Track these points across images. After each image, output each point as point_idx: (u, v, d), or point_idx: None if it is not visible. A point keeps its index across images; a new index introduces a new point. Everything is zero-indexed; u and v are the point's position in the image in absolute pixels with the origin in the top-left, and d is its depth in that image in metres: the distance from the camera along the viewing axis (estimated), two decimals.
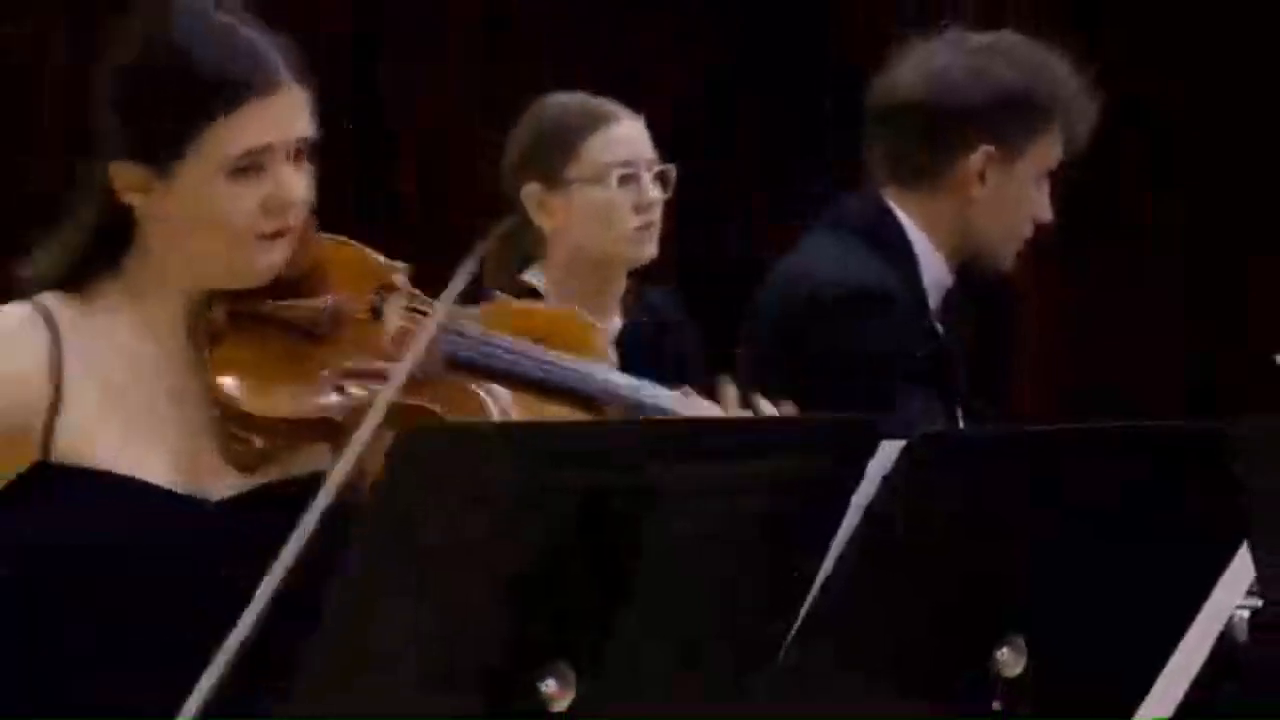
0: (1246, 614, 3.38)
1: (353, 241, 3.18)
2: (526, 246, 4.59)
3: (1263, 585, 2.91)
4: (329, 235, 3.13)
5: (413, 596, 2.55)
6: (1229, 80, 8.65)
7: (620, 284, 4.69)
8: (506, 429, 2.97)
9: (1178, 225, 8.54)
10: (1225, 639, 3.07)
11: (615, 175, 4.66)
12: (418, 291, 3.15)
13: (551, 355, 3.22)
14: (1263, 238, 8.59)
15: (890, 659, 2.84)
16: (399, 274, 3.16)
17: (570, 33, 7.95)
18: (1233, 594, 2.97)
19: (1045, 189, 4.17)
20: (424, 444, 2.56)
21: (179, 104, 3.02)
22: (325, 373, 3.06)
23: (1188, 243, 8.58)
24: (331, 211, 3.15)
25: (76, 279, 3.08)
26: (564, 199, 4.68)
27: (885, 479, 2.71)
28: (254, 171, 3.03)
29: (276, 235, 3.05)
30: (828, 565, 2.73)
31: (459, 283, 2.97)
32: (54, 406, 3.01)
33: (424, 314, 3.08)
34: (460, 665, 2.59)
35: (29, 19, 8.09)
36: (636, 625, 2.62)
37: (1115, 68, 4.52)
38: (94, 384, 3.03)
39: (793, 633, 2.74)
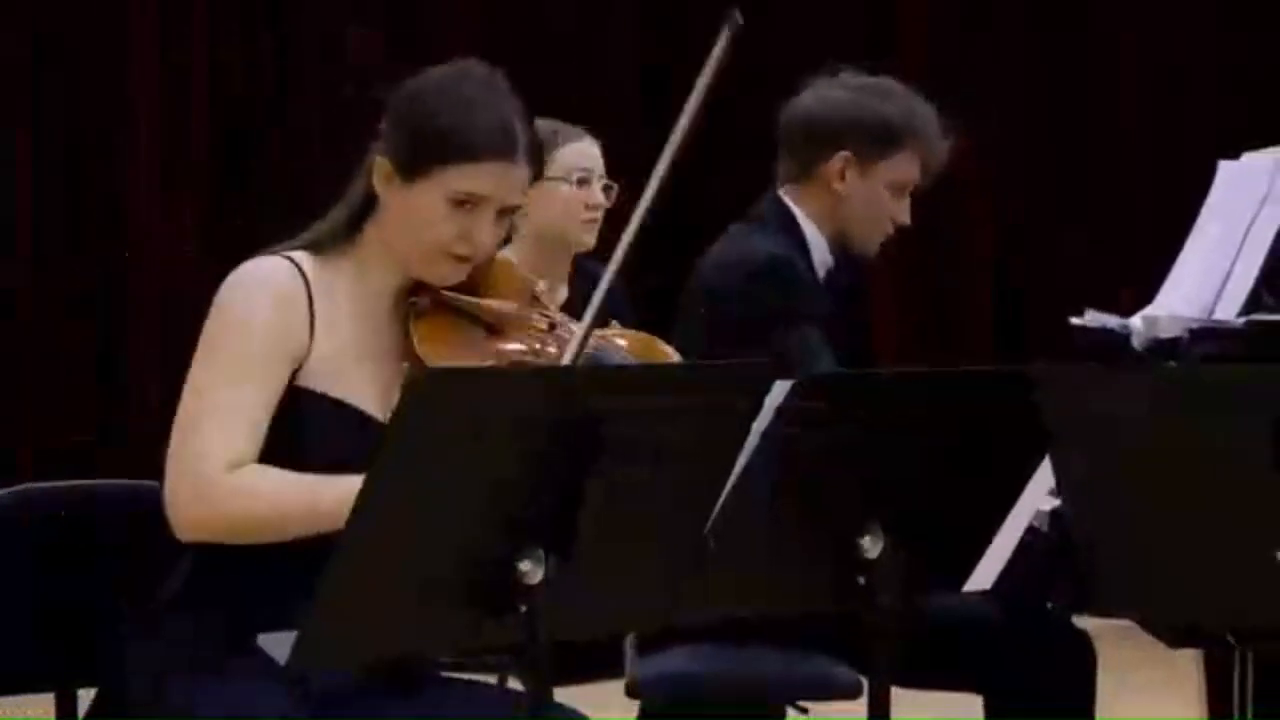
0: (1047, 510, 3.38)
1: (509, 258, 3.19)
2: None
3: (1059, 489, 2.92)
4: (500, 257, 3.15)
5: (421, 500, 2.56)
6: None
7: (568, 263, 4.74)
8: (492, 373, 2.97)
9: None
10: (1032, 528, 3.07)
11: (575, 176, 4.73)
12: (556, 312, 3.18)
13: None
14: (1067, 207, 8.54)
15: (782, 545, 2.86)
16: (541, 285, 3.19)
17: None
18: (1038, 495, 2.99)
19: (905, 200, 4.17)
20: (429, 384, 2.60)
21: (441, 138, 3.02)
22: (498, 355, 3.06)
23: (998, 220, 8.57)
24: None
25: (330, 245, 3.06)
26: (534, 190, 4.72)
27: (778, 410, 2.75)
28: (467, 208, 3.02)
29: (460, 259, 3.04)
30: (735, 475, 2.76)
31: (596, 303, 3.06)
32: (310, 337, 2.99)
33: (569, 331, 3.09)
34: (458, 552, 2.60)
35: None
36: (592, 519, 2.62)
37: None
38: (333, 327, 3.01)
39: (709, 526, 2.76)
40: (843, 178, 4.15)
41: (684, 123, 3.06)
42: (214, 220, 7.09)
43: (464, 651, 3.24)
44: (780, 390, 2.75)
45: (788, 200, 4.19)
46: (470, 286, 3.09)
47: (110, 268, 7.25)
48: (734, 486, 2.77)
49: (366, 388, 3.01)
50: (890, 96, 4.16)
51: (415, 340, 3.03)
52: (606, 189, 4.77)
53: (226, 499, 2.91)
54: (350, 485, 2.63)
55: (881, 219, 4.16)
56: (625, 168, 4.58)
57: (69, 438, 7.15)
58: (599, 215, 4.76)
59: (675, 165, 3.10)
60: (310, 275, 3.02)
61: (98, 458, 6.62)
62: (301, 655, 2.58)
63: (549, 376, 2.91)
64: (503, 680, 3.99)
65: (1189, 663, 4.24)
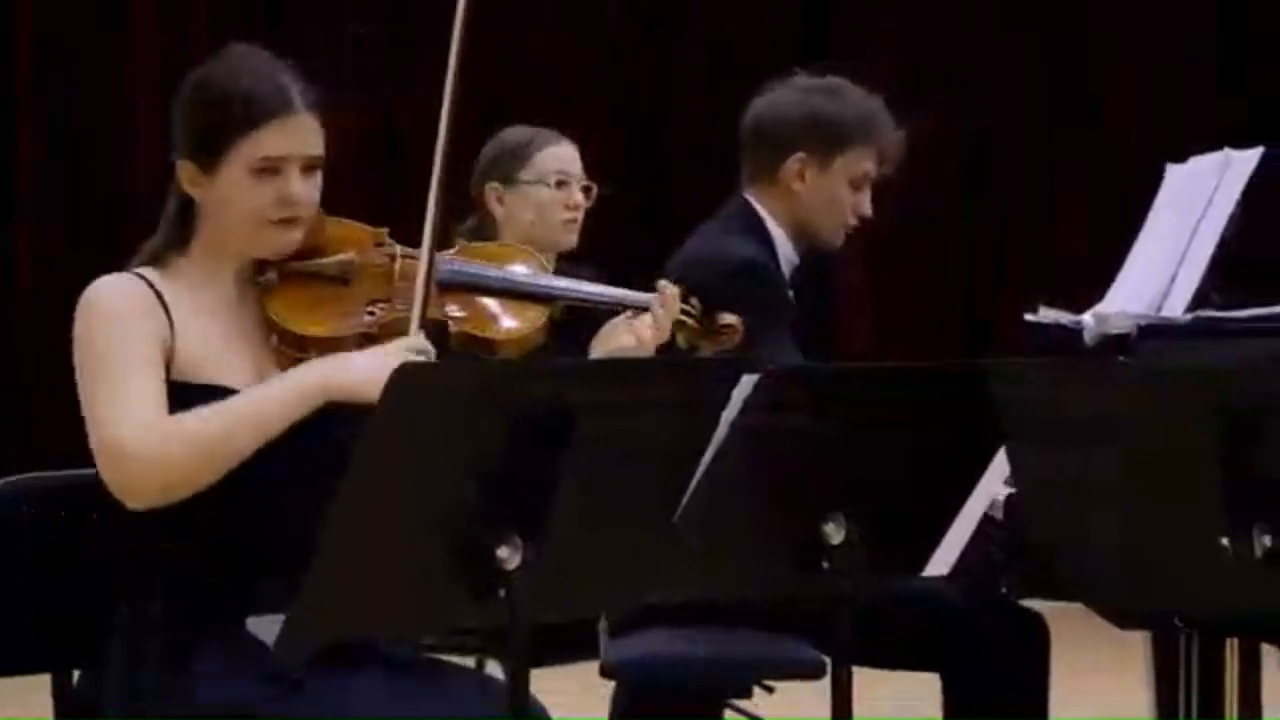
0: (1002, 498, 3.38)
1: (347, 219, 3.17)
2: (485, 236, 4.62)
3: (1014, 477, 2.91)
4: (332, 217, 3.13)
5: (403, 488, 2.55)
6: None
7: (550, 264, 4.72)
8: (474, 365, 2.97)
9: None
10: (988, 515, 3.07)
11: (553, 179, 4.70)
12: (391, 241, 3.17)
13: (504, 270, 3.24)
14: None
15: (749, 532, 2.85)
16: (384, 233, 3.17)
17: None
18: (994, 484, 2.98)
19: (865, 192, 4.15)
20: (412, 376, 2.57)
21: (222, 120, 3.00)
22: (358, 304, 3.08)
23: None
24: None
25: (163, 257, 3.06)
26: (515, 195, 4.71)
27: (745, 401, 2.73)
28: (270, 174, 3.00)
29: (285, 223, 3.02)
30: (704, 464, 2.75)
31: (429, 232, 3.05)
32: (169, 335, 2.98)
33: (414, 258, 3.11)
34: (439, 539, 2.58)
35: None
36: (567, 507, 2.61)
37: None
38: (190, 324, 3.00)
39: (679, 513, 2.75)
40: (802, 178, 4.14)
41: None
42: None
43: (445, 634, 3.23)
44: (748, 383, 2.73)
45: (753, 201, 4.18)
46: (309, 250, 3.09)
47: (111, 266, 7.22)
48: (703, 475, 2.75)
49: (238, 371, 3.00)
50: (839, 95, 4.15)
51: (273, 314, 3.04)
52: (585, 190, 4.75)
53: (161, 446, 2.89)
54: (276, 384, 2.82)
55: (843, 213, 4.16)
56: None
57: (69, 432, 7.10)
58: (579, 216, 4.73)
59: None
60: (156, 283, 3.02)
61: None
62: (288, 637, 2.56)
63: (526, 370, 2.89)
64: (480, 664, 3.97)
65: (1137, 644, 4.24)
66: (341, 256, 3.11)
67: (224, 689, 2.89)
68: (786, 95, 4.18)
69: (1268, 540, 2.54)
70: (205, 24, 7.89)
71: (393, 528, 2.57)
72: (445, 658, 3.19)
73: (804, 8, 8.47)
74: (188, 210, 3.07)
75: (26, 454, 6.72)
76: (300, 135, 3.03)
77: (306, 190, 3.04)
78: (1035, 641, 4.04)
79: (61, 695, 3.11)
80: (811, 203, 4.14)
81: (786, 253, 4.15)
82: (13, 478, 3.13)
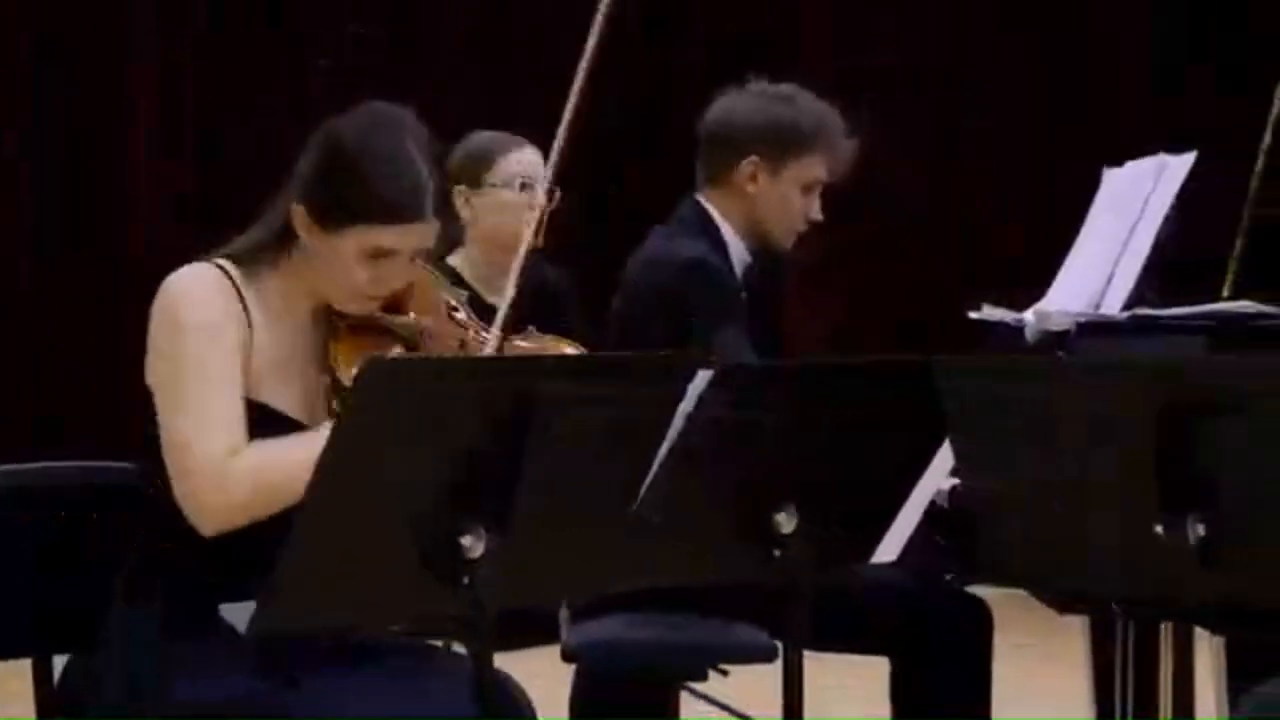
0: (947, 488, 3.35)
1: (431, 269, 3.15)
2: (452, 238, 4.63)
3: (957, 468, 2.89)
4: (424, 269, 3.10)
5: (372, 480, 2.55)
6: None
7: (519, 262, 4.72)
8: (442, 360, 2.96)
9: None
10: (934, 504, 3.06)
11: (518, 182, 4.71)
12: (472, 317, 3.15)
13: None
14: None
15: (704, 521, 2.85)
16: (463, 298, 3.15)
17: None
18: (939, 474, 2.98)
19: (815, 197, 4.15)
20: (380, 370, 2.58)
21: (355, 200, 2.96)
22: None
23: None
24: None
25: (252, 261, 3.01)
26: (481, 197, 4.73)
27: (699, 396, 2.74)
28: (379, 259, 2.98)
29: (374, 299, 3.02)
30: (661, 456, 2.75)
31: (500, 318, 3.04)
32: (249, 339, 2.96)
33: (482, 340, 3.06)
34: (406, 529, 2.58)
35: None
36: (529, 497, 2.61)
37: None
38: (261, 335, 2.97)
39: (637, 503, 2.75)
40: (754, 181, 4.14)
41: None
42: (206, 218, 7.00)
43: (412, 620, 3.22)
44: (703, 379, 2.74)
45: (706, 204, 4.19)
46: (390, 303, 3.06)
47: (111, 265, 7.15)
48: (660, 467, 2.75)
49: (290, 398, 2.98)
50: (793, 102, 4.16)
51: (332, 357, 3.00)
52: (549, 192, 4.75)
53: (241, 481, 2.88)
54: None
55: (794, 217, 4.16)
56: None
57: (70, 424, 7.05)
58: (544, 218, 4.73)
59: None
60: (240, 283, 2.99)
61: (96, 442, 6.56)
62: (259, 625, 2.57)
63: (490, 365, 2.89)
64: (448, 645, 3.97)
65: (1075, 627, 4.25)
66: (418, 322, 3.08)
67: (220, 685, 2.89)
68: (742, 101, 4.18)
69: (1200, 529, 2.55)
70: (206, 24, 7.81)
71: (361, 517, 2.56)
72: (416, 640, 3.20)
73: (803, 8, 8.37)
74: (289, 234, 3.02)
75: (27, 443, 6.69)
76: (420, 237, 3.01)
77: (405, 277, 3.03)
78: (978, 625, 4.05)
79: (41, 681, 3.10)
80: (763, 205, 4.14)
81: (739, 252, 4.15)
82: (10, 466, 3.10)
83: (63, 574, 3.07)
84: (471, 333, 3.12)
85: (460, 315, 3.15)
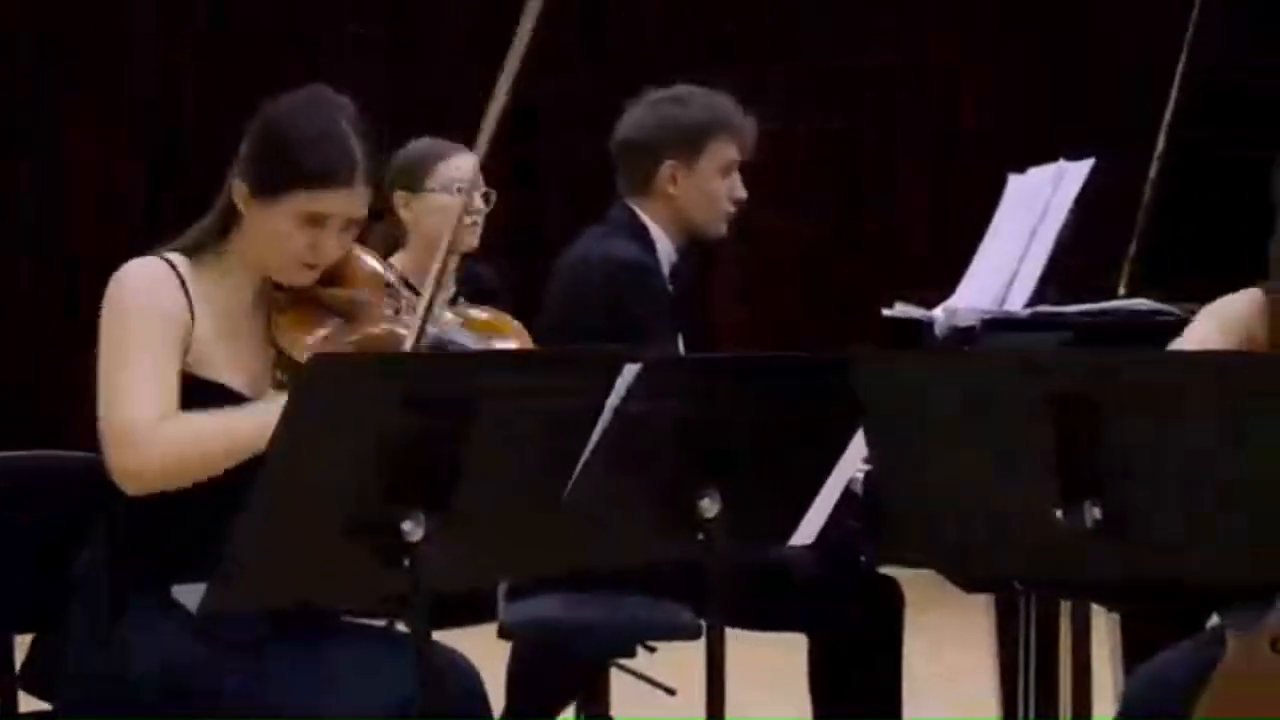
0: (861, 475, 3.39)
1: (369, 250, 3.16)
2: (395, 239, 4.63)
3: (871, 456, 2.90)
4: (360, 248, 3.10)
5: (318, 468, 2.56)
6: None
7: (454, 263, 4.74)
8: (384, 356, 2.95)
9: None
10: (849, 490, 3.09)
11: (455, 187, 4.71)
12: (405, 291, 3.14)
13: (488, 345, 3.18)
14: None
15: (632, 506, 2.86)
16: (393, 273, 3.16)
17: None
18: (853, 462, 3.00)
19: (735, 176, 4.16)
20: (326, 366, 2.59)
21: (290, 167, 2.99)
22: (351, 339, 3.04)
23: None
24: None
25: (198, 249, 3.03)
26: (420, 201, 4.72)
27: (628, 388, 2.75)
28: (313, 225, 3.00)
29: (310, 266, 3.03)
30: (591, 444, 2.76)
31: (428, 293, 3.00)
32: (189, 324, 2.97)
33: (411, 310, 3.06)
34: (349, 514, 2.59)
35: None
36: (467, 484, 2.62)
37: None
38: (206, 316, 2.99)
39: (569, 489, 2.75)
40: (675, 181, 4.16)
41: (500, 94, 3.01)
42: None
43: (357, 602, 3.22)
44: (631, 372, 2.74)
45: (634, 207, 4.20)
46: (329, 278, 3.08)
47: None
48: (590, 455, 2.75)
49: (238, 371, 2.99)
50: (687, 101, 4.19)
51: (277, 330, 3.02)
52: (485, 196, 4.76)
53: (162, 444, 2.88)
54: (260, 410, 2.75)
55: (720, 202, 4.18)
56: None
57: (30, 417, 6.98)
58: (480, 220, 4.75)
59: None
60: (183, 271, 3.00)
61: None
62: (210, 605, 2.58)
63: (430, 361, 2.89)
64: (390, 624, 3.96)
65: (982, 605, 4.27)
66: (353, 294, 3.09)
67: (172, 660, 2.88)
68: (642, 111, 4.21)
69: (1096, 512, 2.57)
70: (205, 24, 7.70)
71: (308, 504, 2.57)
72: (362, 620, 3.18)
73: (802, 7, 8.26)
74: (232, 216, 3.05)
75: None
76: (352, 202, 3.02)
77: (340, 244, 3.05)
78: (890, 604, 4.07)
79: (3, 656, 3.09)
80: (689, 201, 4.15)
81: (667, 252, 4.16)
82: None
83: (24, 558, 3.05)
84: (404, 303, 3.12)
85: (394, 288, 3.15)
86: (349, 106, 3.06)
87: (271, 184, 3.01)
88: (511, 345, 3.23)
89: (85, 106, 7.66)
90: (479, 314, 3.31)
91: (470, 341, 3.15)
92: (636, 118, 4.20)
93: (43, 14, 7.55)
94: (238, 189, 3.04)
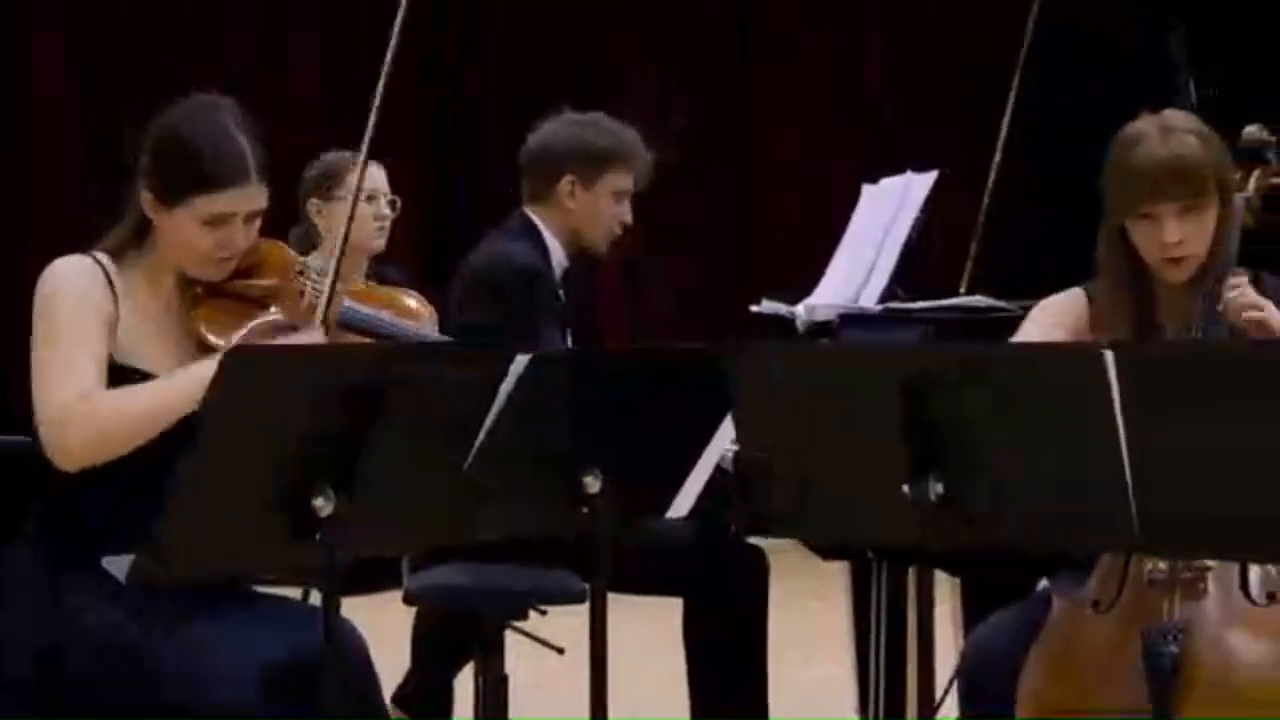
0: (730, 454, 3.42)
1: (278, 242, 3.14)
2: (311, 242, 4.60)
3: (738, 437, 2.86)
4: (266, 240, 3.09)
5: (236, 452, 2.55)
6: None
7: (364, 264, 4.72)
8: (298, 346, 2.94)
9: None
10: (720, 467, 3.07)
11: (364, 195, 4.68)
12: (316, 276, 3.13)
13: (396, 319, 3.22)
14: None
15: (522, 483, 2.84)
16: (305, 262, 3.14)
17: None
18: (723, 442, 3.00)
19: (625, 204, 4.16)
20: (243, 357, 2.58)
21: (186, 175, 2.96)
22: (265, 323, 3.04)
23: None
24: None
25: (121, 250, 3.01)
26: (332, 208, 4.69)
27: (519, 378, 2.74)
28: (219, 223, 2.98)
29: (223, 259, 3.01)
30: (486, 428, 2.74)
31: (331, 272, 3.05)
32: (114, 316, 2.95)
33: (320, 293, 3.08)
34: (266, 492, 2.58)
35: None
36: (373, 464, 2.62)
37: None
38: (130, 312, 2.97)
39: (466, 467, 2.74)
40: (572, 195, 4.15)
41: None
42: None
43: (273, 572, 3.20)
44: (521, 362, 2.74)
45: (531, 215, 4.20)
46: (242, 269, 3.06)
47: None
48: (485, 437, 2.74)
49: (162, 362, 2.96)
50: (598, 127, 4.19)
51: (195, 322, 3.01)
52: (391, 203, 4.78)
53: (97, 418, 2.86)
54: (188, 373, 2.78)
55: (608, 223, 4.19)
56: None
57: None
58: (386, 224, 4.76)
59: None
60: (110, 270, 2.98)
61: None
62: (137, 575, 2.57)
63: (340, 352, 2.88)
64: (305, 595, 3.94)
65: (838, 572, 4.30)
66: (265, 283, 3.07)
67: (101, 624, 2.86)
68: (555, 128, 4.21)
69: (940, 488, 2.59)
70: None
71: (229, 482, 2.55)
72: (277, 590, 3.16)
73: (802, 7, 8.12)
74: (145, 221, 3.02)
75: None
76: (250, 199, 2.99)
77: (246, 238, 3.02)
78: (758, 571, 4.08)
79: None
80: (581, 216, 4.15)
81: (559, 258, 4.16)
82: None
83: None
84: (311, 286, 3.11)
85: (304, 273, 3.13)
86: (231, 106, 3.03)
87: (172, 192, 2.98)
88: (413, 324, 3.24)
89: None
90: (383, 291, 3.33)
91: (375, 313, 3.17)
92: (549, 132, 4.20)
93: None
94: (146, 201, 3.01)
